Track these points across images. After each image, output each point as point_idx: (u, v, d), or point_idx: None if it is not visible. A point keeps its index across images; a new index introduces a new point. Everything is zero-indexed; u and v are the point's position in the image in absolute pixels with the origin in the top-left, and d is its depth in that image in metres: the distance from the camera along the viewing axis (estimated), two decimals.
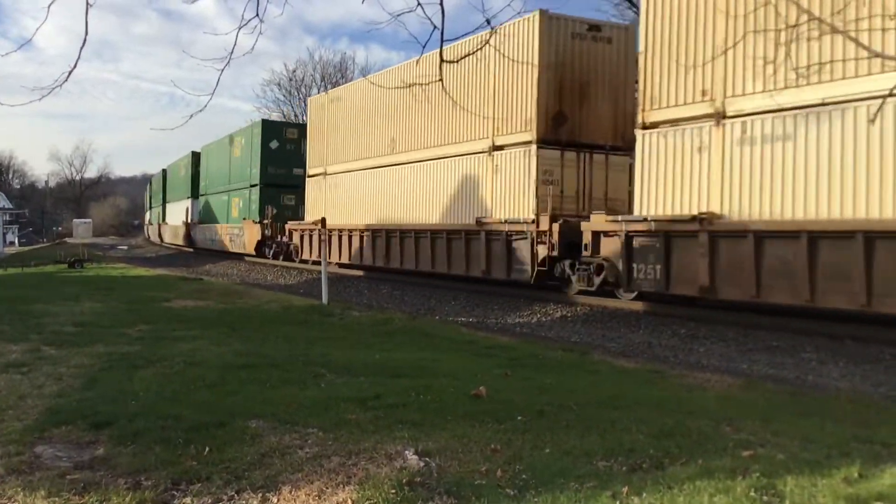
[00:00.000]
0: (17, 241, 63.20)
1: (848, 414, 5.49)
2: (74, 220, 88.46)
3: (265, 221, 27.10)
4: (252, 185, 28.84)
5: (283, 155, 28.34)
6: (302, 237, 23.56)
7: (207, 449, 4.07)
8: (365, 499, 3.41)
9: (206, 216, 35.86)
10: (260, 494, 3.52)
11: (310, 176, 24.08)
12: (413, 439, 4.29)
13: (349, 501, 3.42)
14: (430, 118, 17.36)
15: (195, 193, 38.14)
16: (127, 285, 16.54)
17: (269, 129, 29.31)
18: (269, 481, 3.66)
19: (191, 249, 38.54)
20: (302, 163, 26.32)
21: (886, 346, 9.15)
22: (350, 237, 21.01)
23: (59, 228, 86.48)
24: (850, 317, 10.17)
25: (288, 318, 11.03)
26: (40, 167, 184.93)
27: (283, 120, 47.25)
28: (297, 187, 26.66)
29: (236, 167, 31.15)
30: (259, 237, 27.32)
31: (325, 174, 23.06)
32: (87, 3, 4.59)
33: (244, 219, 29.08)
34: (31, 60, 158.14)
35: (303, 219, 24.50)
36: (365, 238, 20.14)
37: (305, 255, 23.22)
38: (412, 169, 18.23)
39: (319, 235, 21.53)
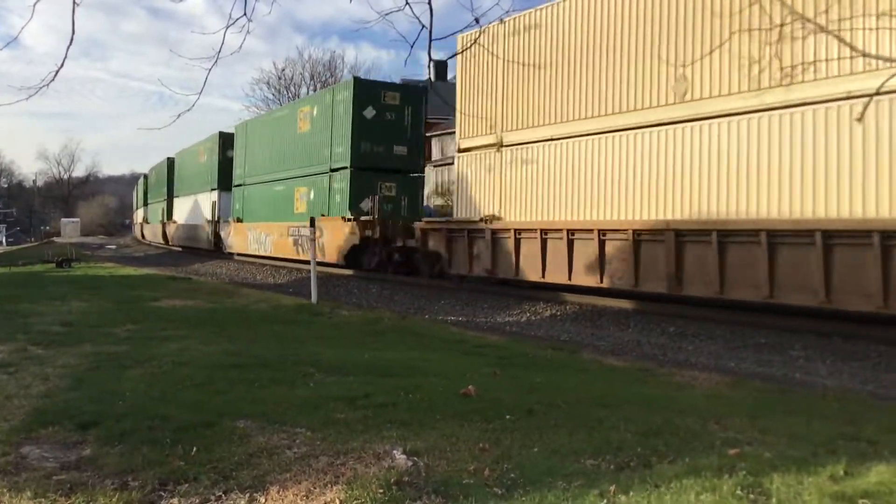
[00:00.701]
0: (4, 241, 62.90)
1: (835, 411, 5.52)
2: (62, 219, 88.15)
3: (364, 219, 19.24)
4: (334, 170, 21.17)
5: (380, 127, 20.54)
6: (450, 241, 16.47)
7: (195, 449, 4.06)
8: (353, 498, 3.41)
9: (246, 212, 28.26)
10: (248, 494, 3.51)
11: (462, 150, 16.67)
12: (401, 439, 4.29)
13: (337, 501, 3.42)
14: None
15: (224, 184, 30.75)
16: (115, 285, 16.42)
17: (365, 91, 20.60)
18: (256, 481, 3.65)
19: (218, 252, 31.44)
20: (405, 138, 20.63)
21: (874, 344, 9.24)
22: (570, 241, 13.33)
23: (48, 227, 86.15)
24: (836, 315, 10.24)
25: (277, 318, 11.00)
26: (28, 166, 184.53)
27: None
28: (399, 172, 20.66)
29: (304, 146, 23.51)
30: (355, 240, 19.42)
31: (498, 146, 15.58)
32: (74, 2, 4.57)
33: (322, 215, 21.06)
34: (19, 59, 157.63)
35: (439, 214, 18.39)
36: (618, 244, 12.52)
37: (459, 269, 16.23)
38: (764, 123, 10.43)
39: (494, 238, 15.15)
